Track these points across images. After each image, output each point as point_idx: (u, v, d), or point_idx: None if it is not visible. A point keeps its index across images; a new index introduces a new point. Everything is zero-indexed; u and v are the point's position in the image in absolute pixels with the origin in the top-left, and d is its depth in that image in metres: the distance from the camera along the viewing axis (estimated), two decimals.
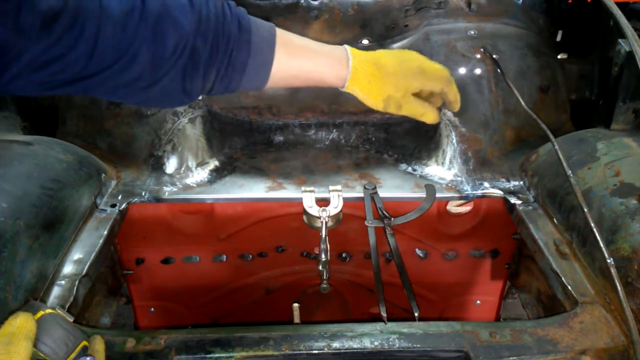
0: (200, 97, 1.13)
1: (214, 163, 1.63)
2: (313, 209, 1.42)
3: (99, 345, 0.91)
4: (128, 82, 0.93)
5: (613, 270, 1.05)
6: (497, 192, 1.51)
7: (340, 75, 1.14)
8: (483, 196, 1.51)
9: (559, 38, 1.85)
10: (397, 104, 1.19)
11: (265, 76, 1.07)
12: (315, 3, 1.77)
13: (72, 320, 0.86)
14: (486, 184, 1.54)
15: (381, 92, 1.17)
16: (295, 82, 1.14)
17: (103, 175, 1.47)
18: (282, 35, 1.09)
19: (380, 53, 1.19)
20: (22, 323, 0.80)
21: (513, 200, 1.46)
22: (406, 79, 1.17)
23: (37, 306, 0.86)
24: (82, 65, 0.87)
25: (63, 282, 1.15)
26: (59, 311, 0.86)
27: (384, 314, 1.10)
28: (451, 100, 1.26)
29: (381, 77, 1.16)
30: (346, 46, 1.17)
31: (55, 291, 1.12)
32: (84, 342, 0.86)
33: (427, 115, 1.24)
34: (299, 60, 1.11)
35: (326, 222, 1.40)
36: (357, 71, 1.14)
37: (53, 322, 0.84)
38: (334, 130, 1.79)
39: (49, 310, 0.85)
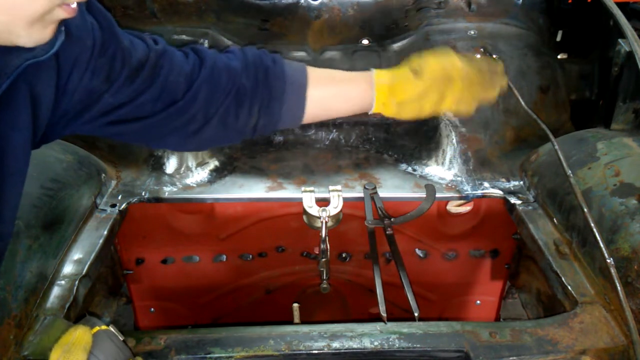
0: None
1: (214, 163, 1.63)
2: (313, 209, 1.42)
3: None
4: (182, 124, 1.06)
5: (613, 270, 1.05)
6: (497, 192, 1.50)
7: (370, 94, 1.20)
8: (483, 196, 1.51)
9: (559, 38, 1.85)
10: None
11: (302, 102, 1.16)
12: (315, 3, 1.77)
13: (122, 339, 0.91)
14: (486, 184, 1.54)
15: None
16: (332, 105, 1.21)
17: (103, 175, 1.47)
18: (313, 69, 1.19)
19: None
20: (80, 335, 0.86)
21: (513, 200, 1.46)
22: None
23: (93, 321, 0.90)
24: (149, 107, 1.01)
25: (63, 282, 1.15)
26: (112, 328, 0.90)
27: (384, 314, 1.10)
28: None
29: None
30: (372, 69, 1.22)
31: (55, 291, 1.12)
32: None
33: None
34: (332, 86, 1.20)
35: (326, 222, 1.40)
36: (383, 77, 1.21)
37: (106, 338, 0.88)
38: (334, 130, 1.79)
39: (104, 327, 0.89)
